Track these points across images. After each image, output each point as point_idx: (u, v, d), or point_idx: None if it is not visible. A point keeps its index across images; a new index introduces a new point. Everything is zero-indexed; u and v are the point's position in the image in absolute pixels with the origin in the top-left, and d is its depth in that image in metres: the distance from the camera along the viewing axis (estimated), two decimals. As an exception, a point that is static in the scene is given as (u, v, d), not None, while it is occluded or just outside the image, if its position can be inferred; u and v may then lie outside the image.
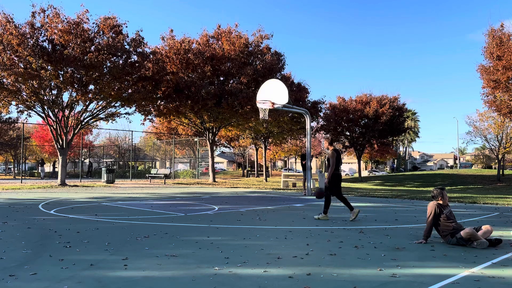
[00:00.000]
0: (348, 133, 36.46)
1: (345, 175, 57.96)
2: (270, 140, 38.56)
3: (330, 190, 8.65)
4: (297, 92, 28.54)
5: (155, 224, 7.68)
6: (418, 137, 72.81)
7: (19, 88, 20.04)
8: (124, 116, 24.96)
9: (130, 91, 21.75)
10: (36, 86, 19.66)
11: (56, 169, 39.50)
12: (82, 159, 42.12)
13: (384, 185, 29.91)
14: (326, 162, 8.85)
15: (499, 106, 24.71)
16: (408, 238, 6.36)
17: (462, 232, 5.66)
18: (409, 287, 3.75)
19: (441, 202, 6.02)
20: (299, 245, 5.74)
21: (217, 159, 70.59)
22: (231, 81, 25.86)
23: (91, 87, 21.29)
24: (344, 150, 43.06)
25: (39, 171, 38.46)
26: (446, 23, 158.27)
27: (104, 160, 51.70)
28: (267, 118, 16.53)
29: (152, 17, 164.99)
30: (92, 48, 20.00)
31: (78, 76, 20.22)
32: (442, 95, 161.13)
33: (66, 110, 21.82)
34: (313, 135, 49.47)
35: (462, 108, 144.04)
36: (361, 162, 45.84)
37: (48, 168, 49.04)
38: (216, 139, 33.77)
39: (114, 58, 20.54)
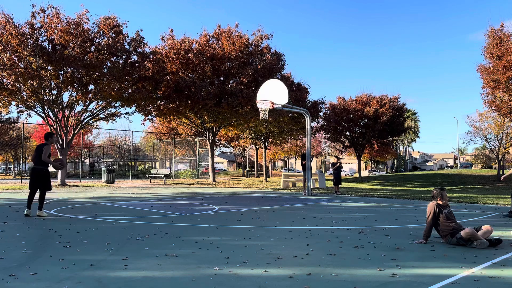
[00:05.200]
0: (348, 133, 36.44)
1: (345, 175, 57.95)
2: (270, 140, 38.56)
3: (44, 185, 8.70)
4: (297, 92, 28.54)
5: (155, 224, 7.68)
6: (418, 137, 72.79)
7: (19, 88, 20.05)
8: (124, 116, 25.00)
9: (130, 91, 21.76)
10: (36, 86, 19.67)
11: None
12: (82, 159, 42.12)
13: (384, 185, 29.91)
14: (35, 153, 8.69)
15: (499, 106, 24.70)
16: (408, 238, 6.36)
17: (462, 232, 5.66)
18: (409, 287, 3.75)
19: (440, 202, 6.01)
20: (299, 245, 5.74)
21: (217, 159, 70.60)
22: (231, 81, 25.86)
23: (91, 87, 21.30)
24: (344, 150, 43.07)
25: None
26: (446, 23, 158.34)
27: (104, 160, 51.72)
28: (267, 118, 16.53)
29: (152, 17, 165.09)
30: (92, 48, 20.00)
31: (78, 76, 20.23)
32: (442, 95, 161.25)
33: (66, 110, 21.82)
34: (313, 135, 49.47)
35: (462, 108, 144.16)
36: (361, 162, 45.84)
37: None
38: (216, 139, 33.77)
39: (114, 58, 20.54)
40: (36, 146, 8.82)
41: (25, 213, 8.67)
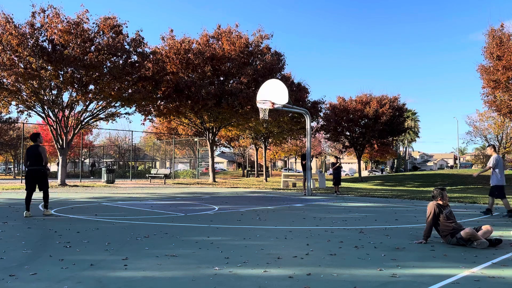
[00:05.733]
0: (348, 133, 36.45)
1: (345, 175, 57.95)
2: (270, 140, 38.56)
3: (45, 184, 8.91)
4: (297, 92, 28.54)
5: (155, 224, 7.68)
6: (418, 137, 72.75)
7: (19, 88, 20.04)
8: (124, 116, 24.98)
9: (130, 91, 21.75)
10: (36, 86, 19.66)
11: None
12: (82, 159, 42.14)
13: (384, 185, 29.91)
14: (31, 154, 8.85)
15: (499, 106, 24.70)
16: (408, 238, 6.36)
17: (462, 232, 5.66)
18: (409, 287, 3.75)
19: (440, 202, 6.01)
20: (299, 245, 5.74)
21: (217, 159, 70.59)
22: (231, 81, 25.86)
23: (91, 87, 21.30)
24: (344, 150, 43.08)
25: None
26: (446, 23, 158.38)
27: (104, 160, 51.71)
28: (267, 118, 16.52)
29: (152, 17, 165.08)
30: (92, 48, 19.99)
31: (78, 76, 20.22)
32: (442, 95, 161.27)
33: (66, 110, 21.82)
34: (313, 135, 49.47)
35: (462, 108, 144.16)
36: (361, 162, 45.83)
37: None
38: (216, 139, 33.76)
39: (114, 58, 20.54)
40: (30, 148, 8.85)
41: (24, 215, 8.63)
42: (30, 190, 8.79)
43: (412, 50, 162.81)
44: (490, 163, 9.66)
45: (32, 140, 9.00)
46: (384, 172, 66.15)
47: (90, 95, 21.35)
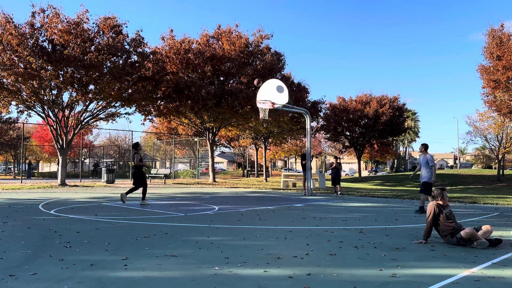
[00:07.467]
0: (348, 133, 36.44)
1: (345, 175, 57.95)
2: (270, 140, 38.55)
3: (138, 183, 11.78)
4: (297, 92, 28.54)
5: (155, 224, 7.68)
6: (418, 137, 72.59)
7: (19, 88, 20.03)
8: (124, 116, 24.96)
9: (130, 91, 21.74)
10: (36, 86, 19.65)
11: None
12: (82, 159, 42.14)
13: (384, 185, 29.90)
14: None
15: (499, 106, 24.70)
16: (408, 238, 6.36)
17: (462, 232, 5.66)
18: (409, 287, 3.75)
19: (441, 202, 6.02)
20: (299, 245, 5.74)
21: (217, 159, 70.54)
22: (231, 81, 25.85)
23: (91, 87, 21.28)
24: (344, 150, 43.08)
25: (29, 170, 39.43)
26: (446, 23, 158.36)
27: (104, 160, 51.69)
28: (267, 118, 16.52)
29: (152, 17, 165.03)
30: (92, 48, 19.98)
31: (78, 76, 20.22)
32: (442, 95, 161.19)
33: (66, 110, 21.81)
34: (313, 135, 49.46)
35: (462, 108, 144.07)
36: (361, 162, 45.83)
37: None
38: (216, 139, 33.77)
39: (114, 58, 20.53)
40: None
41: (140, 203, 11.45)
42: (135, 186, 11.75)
43: (412, 50, 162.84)
44: (432, 162, 10.00)
45: (134, 148, 12.11)
46: (378, 173, 65.68)
47: (90, 95, 21.34)
